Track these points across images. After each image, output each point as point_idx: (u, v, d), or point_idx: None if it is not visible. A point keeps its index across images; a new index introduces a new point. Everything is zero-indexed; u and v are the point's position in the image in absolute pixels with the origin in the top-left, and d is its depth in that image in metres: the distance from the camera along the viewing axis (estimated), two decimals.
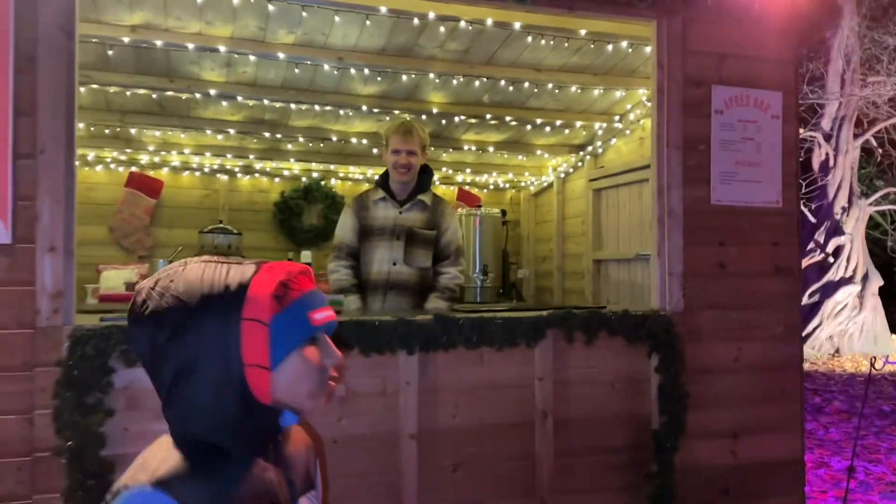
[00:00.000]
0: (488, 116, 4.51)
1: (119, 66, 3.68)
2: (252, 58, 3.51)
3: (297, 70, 3.73)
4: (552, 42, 3.51)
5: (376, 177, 3.18)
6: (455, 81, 3.95)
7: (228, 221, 5.67)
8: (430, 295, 3.02)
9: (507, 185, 6.40)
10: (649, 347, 2.79)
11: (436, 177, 6.04)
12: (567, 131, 5.05)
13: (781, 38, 3.11)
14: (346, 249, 3.04)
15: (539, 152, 5.46)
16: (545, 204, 6.28)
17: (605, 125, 4.95)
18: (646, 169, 4.61)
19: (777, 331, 3.05)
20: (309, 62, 3.60)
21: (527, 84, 4.06)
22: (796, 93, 3.19)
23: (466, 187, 6.28)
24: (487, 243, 5.55)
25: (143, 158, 5.37)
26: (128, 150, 5.07)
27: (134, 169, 5.42)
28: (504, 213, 5.80)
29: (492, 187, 6.35)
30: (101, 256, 5.37)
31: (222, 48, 3.36)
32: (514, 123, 4.72)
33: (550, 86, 4.12)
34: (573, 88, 4.21)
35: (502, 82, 4.02)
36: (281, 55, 3.47)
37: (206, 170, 5.58)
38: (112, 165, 5.37)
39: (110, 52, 3.39)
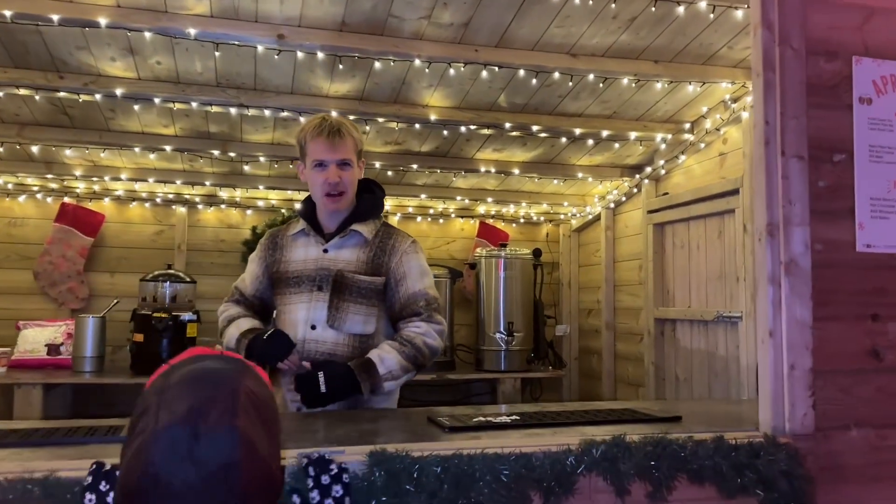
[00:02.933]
0: (507, 125, 3.50)
1: None
2: (147, 35, 2.59)
3: (218, 53, 2.75)
4: (591, 3, 2.50)
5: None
6: (453, 71, 2.95)
7: (187, 265, 4.78)
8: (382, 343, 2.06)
9: (543, 219, 5.36)
10: (761, 502, 1.71)
11: (451, 208, 5.05)
12: (617, 146, 4.00)
13: None
14: (236, 295, 2.21)
15: (580, 175, 4.41)
16: (591, 242, 5.21)
17: (669, 136, 3.88)
18: (730, 196, 3.54)
19: None
20: (237, 42, 2.66)
21: (557, 76, 3.04)
22: None
23: (490, 221, 5.26)
24: (514, 293, 4.51)
25: (80, 186, 4.53)
26: (48, 176, 4.22)
27: (67, 199, 4.58)
28: (537, 253, 4.75)
29: (522, 221, 5.31)
30: (26, 310, 4.53)
31: (103, 21, 2.45)
32: (543, 135, 3.70)
33: (591, 78, 3.09)
34: (624, 81, 3.18)
35: (521, 73, 3.01)
36: (191, 30, 2.54)
37: (159, 200, 4.71)
38: (39, 195, 4.53)
39: None
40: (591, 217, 5.10)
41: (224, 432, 0.84)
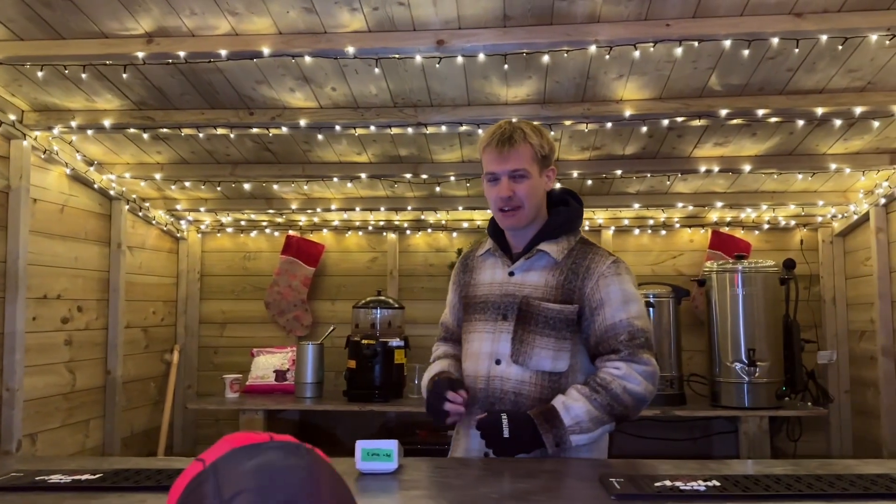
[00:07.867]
0: (723, 112, 2.98)
1: (180, 100, 3.06)
2: (308, 59, 2.58)
3: (377, 70, 2.66)
4: None
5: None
6: (639, 54, 2.55)
7: (399, 290, 4.87)
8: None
9: (794, 223, 4.58)
10: None
11: (675, 217, 4.53)
12: (877, 124, 3.22)
13: None
14: (442, 332, 2.16)
15: (834, 166, 3.65)
16: (859, 248, 4.32)
17: None
18: None
19: None
20: (396, 55, 2.57)
21: (776, 42, 2.49)
22: None
23: (726, 229, 4.62)
24: (755, 313, 3.84)
25: (302, 219, 4.85)
26: (270, 211, 4.56)
27: (291, 232, 4.92)
28: (789, 264, 4.04)
29: (767, 227, 4.58)
30: (259, 338, 4.94)
31: (266, 50, 2.50)
32: (774, 120, 3.10)
33: (825, 41, 2.49)
34: (873, 40, 2.51)
35: (727, 45, 2.51)
36: (350, 48, 2.49)
37: (371, 228, 4.86)
38: (268, 230, 4.93)
39: (125, 76, 2.73)
40: (856, 217, 4.22)
41: None
